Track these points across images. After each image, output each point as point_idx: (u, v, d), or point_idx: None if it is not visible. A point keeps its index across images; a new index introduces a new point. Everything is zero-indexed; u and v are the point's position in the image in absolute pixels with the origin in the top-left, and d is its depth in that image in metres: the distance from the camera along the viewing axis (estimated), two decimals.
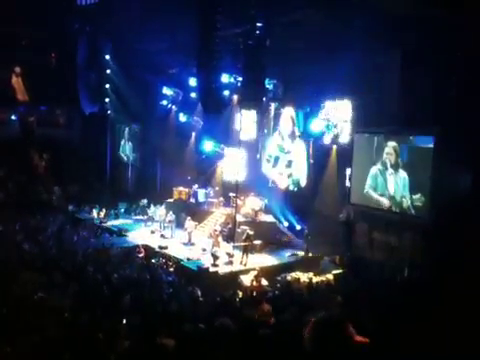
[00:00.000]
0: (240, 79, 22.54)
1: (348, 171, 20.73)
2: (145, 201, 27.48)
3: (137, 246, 20.38)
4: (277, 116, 24.59)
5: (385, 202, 19.12)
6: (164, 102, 29.12)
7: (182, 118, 28.76)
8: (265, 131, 25.28)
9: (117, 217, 26.73)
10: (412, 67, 17.48)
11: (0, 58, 27.50)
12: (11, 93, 29.90)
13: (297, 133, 23.45)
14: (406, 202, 18.25)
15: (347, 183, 20.80)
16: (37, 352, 6.90)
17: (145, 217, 25.97)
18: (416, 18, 15.80)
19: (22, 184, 28.70)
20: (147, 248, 20.40)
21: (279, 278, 17.80)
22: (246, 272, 18.03)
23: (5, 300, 9.95)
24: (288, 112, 23.84)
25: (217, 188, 26.74)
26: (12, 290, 10.92)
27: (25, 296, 10.09)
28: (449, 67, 16.18)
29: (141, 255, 19.40)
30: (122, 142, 33.32)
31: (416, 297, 11.02)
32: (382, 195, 19.23)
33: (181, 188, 27.10)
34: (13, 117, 32.21)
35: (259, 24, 18.71)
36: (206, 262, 18.86)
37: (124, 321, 8.81)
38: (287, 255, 20.98)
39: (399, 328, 7.24)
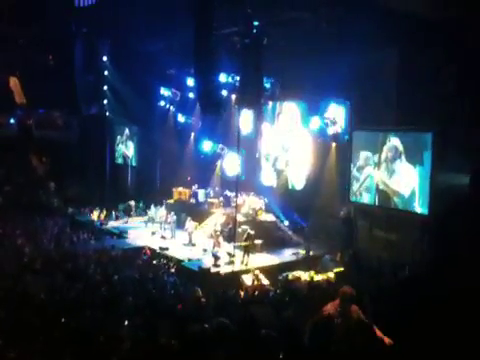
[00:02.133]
0: (238, 78, 22.52)
1: (348, 167, 20.75)
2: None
3: (143, 248, 20.44)
4: (275, 115, 24.61)
5: (384, 198, 19.12)
6: (162, 103, 29.12)
7: (181, 118, 28.75)
8: (263, 130, 25.29)
9: (117, 218, 26.77)
10: (410, 64, 17.47)
11: None
12: (9, 96, 29.88)
13: (296, 131, 23.47)
14: (406, 199, 18.25)
15: (347, 180, 20.81)
16: (38, 354, 6.89)
17: (145, 218, 26.05)
18: (413, 16, 15.79)
19: (21, 187, 28.69)
20: (149, 250, 20.43)
21: (280, 277, 17.78)
22: (247, 272, 18.03)
23: (6, 303, 9.93)
24: (286, 110, 23.84)
25: (217, 188, 26.75)
26: (13, 293, 10.91)
27: (26, 299, 10.07)
28: (447, 64, 16.16)
29: (146, 257, 19.44)
30: (121, 143, 33.30)
31: (417, 294, 11.01)
32: (382, 192, 19.23)
33: (181, 188, 27.12)
34: (11, 120, 32.17)
35: (256, 23, 18.68)
36: (207, 262, 18.87)
37: (126, 322, 8.80)
38: (288, 254, 20.99)
39: (400, 325, 7.23)
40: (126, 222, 26.33)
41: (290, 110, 23.84)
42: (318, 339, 5.33)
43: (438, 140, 16.90)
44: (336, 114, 20.93)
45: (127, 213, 27.28)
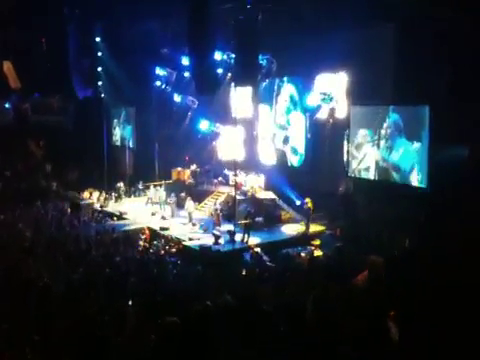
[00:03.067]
0: (233, 56, 22.33)
1: (345, 144, 20.73)
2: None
3: (142, 229, 20.52)
4: (272, 92, 24.47)
5: (383, 174, 19.16)
6: (158, 83, 28.92)
7: (177, 98, 28.58)
8: (260, 108, 25.20)
9: (117, 200, 26.82)
10: (407, 38, 17.34)
11: None
12: (3, 81, 29.67)
13: (292, 108, 23.40)
14: (405, 173, 18.29)
15: (345, 156, 20.81)
16: (43, 337, 6.97)
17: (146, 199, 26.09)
18: None
19: (20, 172, 28.68)
20: (149, 230, 20.51)
21: (280, 254, 17.89)
22: (248, 249, 18.15)
23: (9, 287, 10.01)
24: (282, 87, 23.73)
25: (215, 167, 26.76)
26: (16, 277, 10.98)
27: (29, 283, 10.14)
28: (445, 38, 16.03)
29: (144, 237, 19.50)
30: (118, 125, 33.19)
31: (416, 268, 11.10)
32: (380, 167, 19.26)
33: (179, 169, 27.13)
34: (7, 105, 31.99)
35: None
36: (208, 241, 18.98)
37: (130, 302, 8.89)
38: (288, 231, 21.09)
39: (400, 300, 7.31)
40: (112, 205, 26.25)
41: (287, 89, 23.70)
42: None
43: (436, 114, 16.86)
44: (333, 90, 20.80)
45: (117, 195, 27.24)
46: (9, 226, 19.15)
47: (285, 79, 23.64)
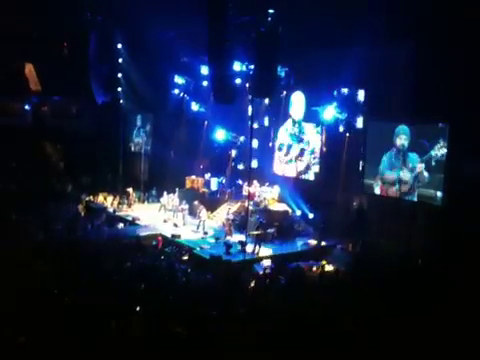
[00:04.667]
0: (252, 67, 22.39)
1: (361, 159, 20.63)
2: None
3: (155, 235, 20.52)
4: (289, 104, 24.48)
5: (399, 190, 19.02)
6: (176, 91, 29.08)
7: (194, 107, 28.69)
8: (275, 119, 25.22)
9: (127, 205, 26.91)
10: (427, 56, 17.31)
11: (13, 49, 27.62)
12: (24, 83, 30.03)
13: (309, 121, 23.36)
14: (420, 190, 18.15)
15: (360, 171, 20.69)
16: (50, 340, 6.97)
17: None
18: (430, 8, 15.64)
19: (35, 174, 28.89)
20: (162, 237, 20.52)
21: (291, 267, 17.78)
22: (259, 261, 18.06)
23: (18, 290, 10.04)
24: (298, 99, 23.72)
25: (229, 177, 26.76)
26: (25, 280, 11.03)
27: (38, 285, 10.18)
28: (464, 55, 15.96)
29: (157, 244, 19.53)
30: (134, 131, 33.38)
31: (429, 285, 10.97)
32: (396, 183, 19.13)
33: (194, 177, 27.19)
34: (26, 107, 32.35)
35: (271, 11, 18.55)
36: (219, 251, 18.92)
37: (138, 308, 8.87)
38: (299, 244, 20.97)
39: (409, 316, 7.22)
40: (125, 210, 26.33)
41: (301, 99, 23.70)
42: None
43: (454, 131, 16.75)
44: (350, 104, 20.74)
45: (127, 201, 27.30)
46: (22, 227, 19.26)
47: (301, 91, 23.62)
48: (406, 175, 18.72)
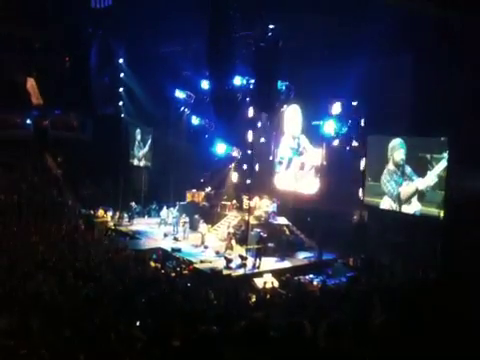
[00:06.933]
0: (253, 81, 22.51)
1: (361, 173, 20.64)
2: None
3: (155, 249, 20.50)
4: (288, 118, 24.56)
5: (398, 203, 19.02)
6: (177, 105, 29.22)
7: (195, 121, 28.83)
8: (275, 133, 25.30)
9: (131, 219, 26.90)
10: (425, 69, 17.40)
11: (15, 62, 27.80)
12: (26, 97, 30.20)
13: (308, 134, 23.42)
14: (420, 203, 18.14)
15: (360, 185, 20.71)
16: (51, 353, 6.93)
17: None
18: (429, 20, 15.76)
19: (36, 187, 28.90)
20: (162, 251, 20.50)
21: (292, 281, 17.72)
22: (259, 275, 18.01)
23: (19, 301, 10.02)
24: (294, 113, 23.82)
25: (230, 190, 26.78)
26: (27, 291, 11.01)
27: (39, 297, 10.16)
28: (462, 68, 16.05)
29: (158, 258, 19.49)
30: (135, 145, 33.47)
31: (430, 299, 10.91)
32: (396, 196, 19.14)
33: (194, 191, 27.24)
34: (28, 121, 32.50)
35: (271, 26, 18.70)
36: (219, 265, 18.87)
37: (137, 323, 8.83)
38: (300, 258, 20.92)
39: (412, 330, 7.17)
40: (130, 224, 26.38)
41: (295, 114, 23.81)
42: None
43: (453, 144, 16.79)
44: (350, 118, 20.81)
45: (130, 214, 27.35)
46: (23, 239, 19.24)
47: (297, 105, 23.72)
48: (406, 189, 18.74)
